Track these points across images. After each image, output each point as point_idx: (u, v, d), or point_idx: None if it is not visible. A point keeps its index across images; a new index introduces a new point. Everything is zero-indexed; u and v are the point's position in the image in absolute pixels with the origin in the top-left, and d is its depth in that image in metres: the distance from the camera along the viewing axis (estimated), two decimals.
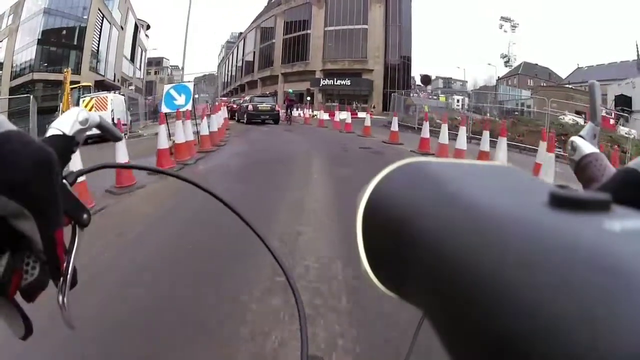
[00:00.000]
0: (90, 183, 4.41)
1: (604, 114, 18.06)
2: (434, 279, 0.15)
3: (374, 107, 28.69)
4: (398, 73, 41.86)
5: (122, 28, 40.16)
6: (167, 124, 7.97)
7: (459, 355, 0.13)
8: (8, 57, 31.06)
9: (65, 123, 0.38)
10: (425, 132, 9.45)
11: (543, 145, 6.98)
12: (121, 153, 5.40)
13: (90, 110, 0.42)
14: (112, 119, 13.51)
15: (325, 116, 19.79)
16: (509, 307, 0.11)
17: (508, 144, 8.59)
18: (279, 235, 3.47)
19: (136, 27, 44.72)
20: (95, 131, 0.43)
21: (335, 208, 4.31)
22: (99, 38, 35.64)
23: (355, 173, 6.17)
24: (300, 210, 4.30)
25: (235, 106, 23.23)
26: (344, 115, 17.59)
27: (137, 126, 18.43)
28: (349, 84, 41.19)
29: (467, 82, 55.99)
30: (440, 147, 8.76)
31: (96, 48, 35.33)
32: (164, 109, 8.69)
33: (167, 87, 9.21)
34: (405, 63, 43.02)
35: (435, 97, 40.51)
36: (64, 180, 0.36)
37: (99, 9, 35.20)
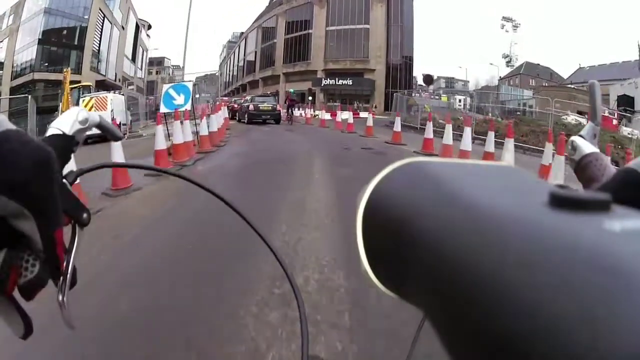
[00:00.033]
0: (86, 185, 4.30)
1: (606, 114, 17.91)
2: (434, 279, 0.15)
3: (375, 107, 28.57)
4: (400, 73, 41.79)
5: (123, 28, 40.16)
6: (166, 124, 7.86)
7: (459, 355, 0.13)
8: (9, 57, 31.07)
9: (65, 123, 0.39)
10: (429, 133, 9.30)
11: (549, 147, 6.83)
12: (117, 154, 5.27)
13: (89, 110, 0.42)
14: (112, 119, 13.43)
15: (327, 116, 19.64)
16: (509, 307, 0.11)
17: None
18: (280, 235, 3.42)
19: (137, 27, 44.73)
20: (95, 131, 0.44)
21: (337, 209, 4.24)
22: (100, 38, 35.63)
23: (358, 174, 6.04)
24: (302, 211, 4.23)
25: (236, 106, 23.15)
26: (345, 115, 17.47)
27: (137, 126, 18.32)
28: (351, 83, 41.11)
29: (469, 82, 55.93)
30: (444, 147, 8.60)
31: (97, 48, 35.33)
32: (163, 109, 8.57)
33: (165, 86, 9.09)
34: (407, 63, 42.93)
35: (437, 97, 40.34)
36: (64, 180, 0.36)
37: (99, 9, 35.20)
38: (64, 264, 0.33)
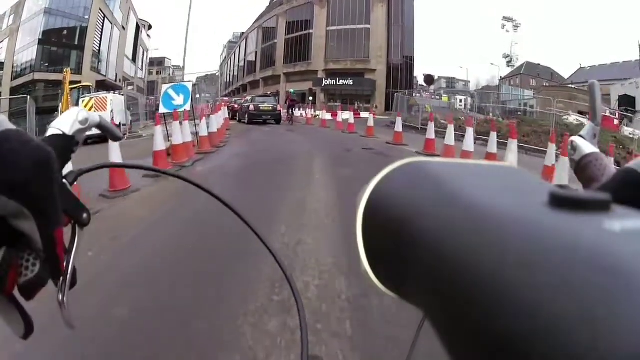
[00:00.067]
0: (83, 186, 4.25)
1: (607, 114, 17.85)
2: (434, 279, 0.15)
3: (376, 107, 28.48)
4: (401, 73, 41.73)
5: (123, 28, 40.16)
6: (166, 124, 7.80)
7: (459, 355, 0.13)
8: (9, 57, 31.06)
9: (65, 123, 0.39)
10: (431, 133, 9.20)
11: (552, 147, 6.76)
12: (115, 154, 5.20)
13: (89, 110, 0.42)
14: (112, 119, 13.37)
15: (328, 116, 19.54)
16: (509, 307, 0.11)
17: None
18: (279, 237, 3.39)
19: (138, 27, 44.74)
20: (95, 131, 0.44)
21: (337, 210, 4.20)
22: (100, 38, 35.64)
23: (359, 175, 5.97)
24: (302, 211, 4.20)
25: (236, 106, 23.08)
26: (346, 116, 17.41)
27: (137, 126, 18.25)
28: (352, 84, 41.06)
29: (469, 82, 55.79)
30: (446, 148, 8.50)
31: (97, 48, 35.34)
32: (162, 109, 8.50)
33: (165, 87, 9.02)
34: (408, 63, 42.88)
35: (437, 97, 40.26)
36: (64, 180, 0.36)
37: (100, 9, 35.20)
38: (64, 263, 0.33)
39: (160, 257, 3.10)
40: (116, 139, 0.48)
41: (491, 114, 19.17)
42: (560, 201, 0.14)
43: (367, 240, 0.20)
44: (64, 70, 17.93)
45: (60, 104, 17.72)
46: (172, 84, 9.38)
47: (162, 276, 2.76)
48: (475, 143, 8.73)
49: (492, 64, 67.65)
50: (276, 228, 3.60)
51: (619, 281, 0.10)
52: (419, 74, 48.67)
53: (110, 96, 16.06)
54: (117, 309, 2.29)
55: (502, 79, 49.87)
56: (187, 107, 8.77)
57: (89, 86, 22.46)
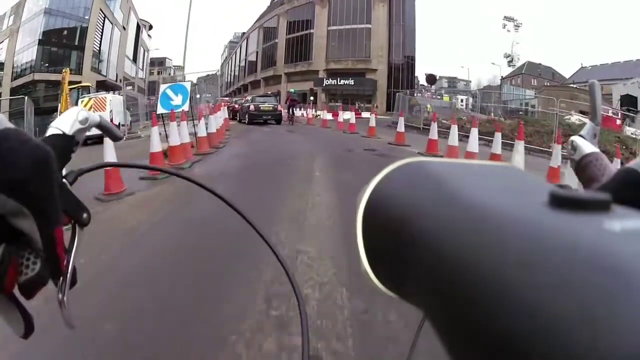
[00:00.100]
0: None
1: (610, 114, 17.71)
2: (434, 279, 0.15)
3: (376, 107, 28.31)
4: (402, 73, 41.60)
5: (124, 28, 40.09)
6: (164, 125, 7.67)
7: (459, 355, 0.13)
8: (9, 57, 31.01)
9: (65, 122, 0.39)
10: (434, 134, 9.02)
11: (557, 148, 6.64)
12: (110, 156, 5.07)
13: (88, 110, 0.42)
14: (110, 120, 13.25)
15: (329, 116, 19.42)
16: (509, 307, 0.11)
17: (514, 144, 8.20)
18: (277, 243, 3.32)
19: (138, 27, 44.67)
20: (95, 131, 0.44)
21: (338, 211, 4.18)
22: (101, 38, 35.58)
23: (360, 176, 5.83)
24: (302, 211, 4.18)
25: (237, 106, 22.96)
26: (347, 116, 17.26)
27: (137, 127, 18.13)
28: (353, 83, 40.95)
29: (470, 81, 55.59)
30: (449, 149, 8.36)
31: (98, 48, 35.27)
32: (160, 110, 8.37)
33: (163, 86, 8.88)
34: (409, 62, 42.74)
35: (439, 97, 40.08)
36: (64, 180, 0.36)
37: (100, 9, 35.14)
38: (64, 263, 0.33)
39: (154, 263, 3.05)
40: (116, 139, 0.48)
41: (492, 114, 19.04)
42: (560, 201, 0.14)
43: (367, 240, 0.20)
44: (63, 70, 17.87)
45: (59, 105, 17.65)
46: (170, 83, 9.24)
47: (162, 277, 2.76)
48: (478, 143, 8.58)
49: (493, 63, 67.33)
50: (276, 230, 3.56)
51: (619, 281, 0.10)
52: (420, 73, 48.59)
53: (109, 96, 15.98)
54: (117, 309, 2.31)
55: (503, 78, 49.70)
56: (186, 107, 8.61)
57: (89, 86, 22.42)
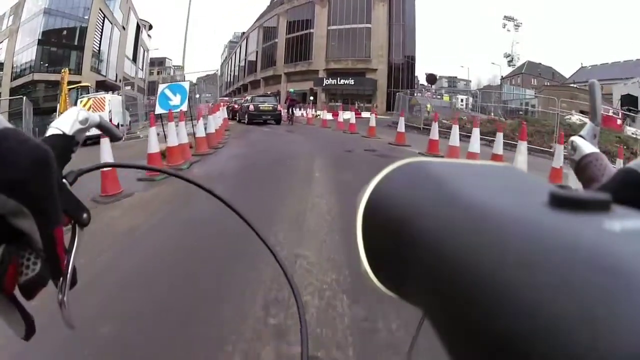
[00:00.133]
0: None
1: (610, 114, 17.64)
2: (434, 279, 0.15)
3: (376, 107, 28.26)
4: (402, 72, 41.55)
5: (123, 28, 40.04)
6: (162, 125, 7.61)
7: (459, 355, 0.13)
8: (8, 58, 30.96)
9: (65, 122, 0.39)
10: (434, 134, 8.94)
11: (559, 148, 6.58)
12: (107, 156, 5.02)
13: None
14: (110, 120, 13.21)
15: (329, 116, 19.36)
16: (509, 307, 0.11)
17: (515, 144, 8.14)
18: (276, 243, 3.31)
19: (138, 27, 44.61)
20: (95, 132, 0.45)
21: (339, 213, 4.17)
22: (100, 38, 35.53)
23: (361, 177, 5.76)
24: (302, 211, 4.18)
25: (236, 106, 22.88)
26: (347, 115, 17.19)
27: (136, 127, 18.08)
28: (353, 83, 40.90)
29: (470, 81, 55.55)
30: (450, 149, 8.27)
31: (97, 48, 35.22)
32: (158, 110, 8.30)
33: (161, 86, 8.81)
34: (409, 62, 42.70)
35: (439, 97, 40.02)
36: (64, 180, 0.36)
37: (100, 9, 35.09)
38: (64, 263, 0.33)
39: (154, 264, 3.04)
40: (116, 139, 0.48)
41: (492, 114, 18.98)
42: (560, 201, 0.14)
43: (367, 240, 0.20)
44: (62, 70, 17.82)
45: (58, 105, 17.60)
46: (169, 83, 9.18)
47: (162, 278, 2.76)
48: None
49: (493, 63, 67.33)
50: (275, 230, 3.55)
51: (619, 281, 0.10)
52: (420, 73, 48.54)
53: (108, 96, 15.95)
54: (117, 309, 2.32)
55: (503, 78, 49.63)
56: (184, 107, 8.53)
57: (88, 86, 22.40)
